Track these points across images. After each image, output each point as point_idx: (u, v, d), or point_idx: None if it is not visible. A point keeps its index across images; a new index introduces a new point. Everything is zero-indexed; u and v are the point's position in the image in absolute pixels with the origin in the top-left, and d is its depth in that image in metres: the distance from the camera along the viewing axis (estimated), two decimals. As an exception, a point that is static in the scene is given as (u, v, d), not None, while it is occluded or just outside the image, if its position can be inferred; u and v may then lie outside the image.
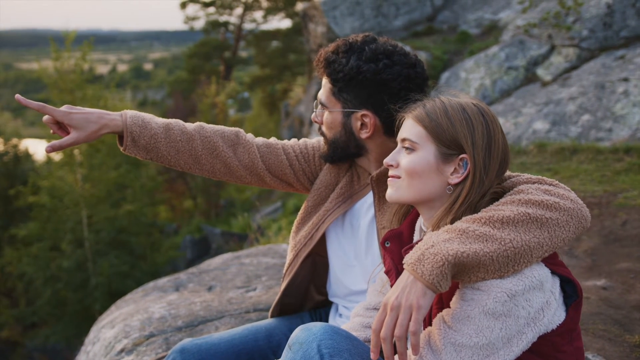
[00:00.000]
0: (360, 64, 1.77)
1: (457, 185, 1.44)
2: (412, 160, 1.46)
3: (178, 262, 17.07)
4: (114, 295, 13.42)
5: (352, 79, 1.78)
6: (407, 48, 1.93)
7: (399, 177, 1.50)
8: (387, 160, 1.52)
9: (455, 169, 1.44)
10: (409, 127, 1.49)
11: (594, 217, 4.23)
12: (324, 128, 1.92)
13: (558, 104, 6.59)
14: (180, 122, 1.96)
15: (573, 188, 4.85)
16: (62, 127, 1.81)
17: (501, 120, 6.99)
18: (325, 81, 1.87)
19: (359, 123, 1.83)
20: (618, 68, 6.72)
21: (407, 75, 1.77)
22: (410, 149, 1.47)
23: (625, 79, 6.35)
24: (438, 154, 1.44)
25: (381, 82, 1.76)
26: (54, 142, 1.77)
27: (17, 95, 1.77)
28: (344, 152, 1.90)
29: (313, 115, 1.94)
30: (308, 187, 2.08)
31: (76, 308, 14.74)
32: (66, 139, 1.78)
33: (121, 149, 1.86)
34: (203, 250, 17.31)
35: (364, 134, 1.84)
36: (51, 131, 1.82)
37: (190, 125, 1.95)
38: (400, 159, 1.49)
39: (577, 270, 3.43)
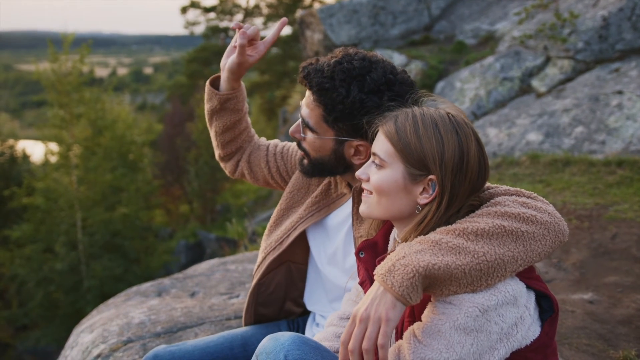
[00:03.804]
0: (363, 97, 1.63)
1: (425, 205, 1.41)
2: (380, 178, 1.43)
3: (172, 266, 17.03)
4: (106, 298, 13.31)
5: (352, 112, 1.66)
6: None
7: (371, 193, 1.47)
8: (358, 174, 1.49)
9: (424, 188, 1.40)
10: (380, 143, 1.45)
11: (584, 230, 4.21)
12: (307, 146, 1.80)
13: (552, 115, 6.58)
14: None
15: (564, 200, 4.83)
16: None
17: (495, 131, 6.97)
18: (313, 104, 1.71)
19: (352, 150, 1.74)
20: (612, 81, 6.72)
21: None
22: (380, 166, 1.44)
23: (620, 92, 6.35)
24: (406, 174, 1.40)
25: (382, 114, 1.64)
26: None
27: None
28: (330, 173, 1.82)
29: (292, 129, 1.81)
30: (283, 186, 2.09)
31: (68, 310, 14.72)
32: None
33: (209, 86, 2.07)
34: (197, 255, 17.24)
35: (357, 160, 1.75)
36: (234, 26, 2.07)
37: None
38: (371, 174, 1.46)
39: (565, 283, 3.40)
